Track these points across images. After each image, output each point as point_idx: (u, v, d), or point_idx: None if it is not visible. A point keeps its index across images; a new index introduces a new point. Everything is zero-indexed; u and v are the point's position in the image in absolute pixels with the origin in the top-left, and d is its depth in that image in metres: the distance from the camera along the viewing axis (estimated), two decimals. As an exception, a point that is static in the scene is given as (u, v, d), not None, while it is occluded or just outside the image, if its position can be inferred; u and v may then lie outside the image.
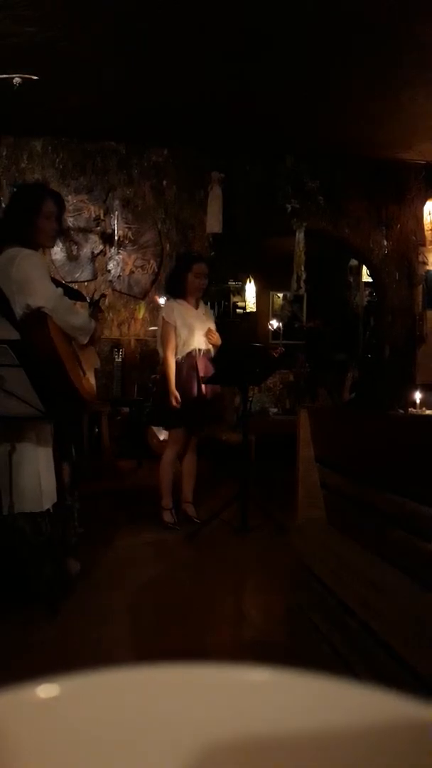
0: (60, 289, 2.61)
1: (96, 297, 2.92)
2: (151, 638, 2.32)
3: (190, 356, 3.83)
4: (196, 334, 3.85)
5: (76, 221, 5.53)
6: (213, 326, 3.95)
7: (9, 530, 2.48)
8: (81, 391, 2.53)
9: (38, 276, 2.51)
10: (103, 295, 3.33)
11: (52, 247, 3.46)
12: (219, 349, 3.96)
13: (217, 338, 3.91)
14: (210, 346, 3.91)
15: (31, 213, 2.58)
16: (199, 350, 3.85)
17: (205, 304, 4.14)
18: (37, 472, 2.51)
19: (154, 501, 3.96)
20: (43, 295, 2.46)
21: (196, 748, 0.24)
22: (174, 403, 3.73)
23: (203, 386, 3.81)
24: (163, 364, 3.87)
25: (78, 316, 2.64)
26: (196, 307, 3.93)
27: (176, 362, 3.81)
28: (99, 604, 2.64)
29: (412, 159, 5.86)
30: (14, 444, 2.47)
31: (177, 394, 3.73)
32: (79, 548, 2.86)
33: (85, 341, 2.69)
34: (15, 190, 2.98)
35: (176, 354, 3.81)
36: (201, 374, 3.82)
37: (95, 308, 2.85)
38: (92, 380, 2.79)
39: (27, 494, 2.48)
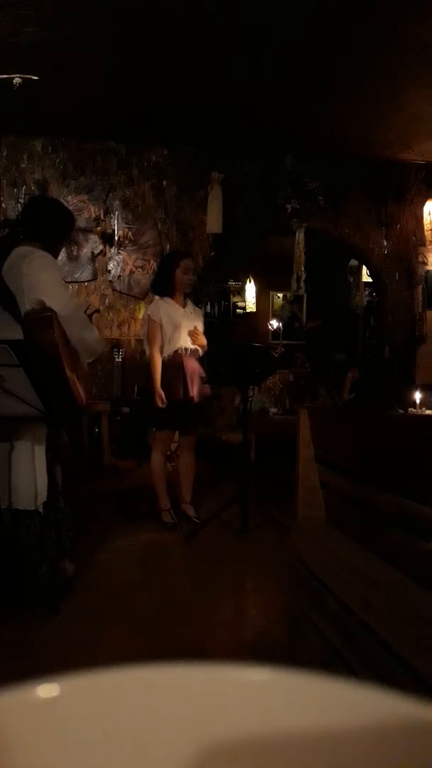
0: (76, 300, 2.60)
1: (89, 312, 2.90)
2: (151, 638, 2.32)
3: (177, 354, 3.78)
4: (183, 333, 3.79)
5: (77, 221, 5.53)
6: (200, 325, 3.89)
7: (6, 528, 2.49)
8: (77, 395, 2.52)
9: (53, 278, 2.51)
10: (97, 311, 3.31)
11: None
12: (212, 350, 3.92)
13: (202, 339, 3.84)
14: (197, 346, 3.86)
15: (70, 228, 2.75)
16: (186, 349, 3.80)
17: (196, 304, 4.12)
18: (33, 470, 2.51)
19: (154, 501, 3.96)
20: (58, 299, 2.45)
21: (196, 747, 0.24)
22: (159, 403, 3.70)
23: (191, 388, 3.76)
24: (149, 363, 3.84)
25: (92, 332, 2.64)
26: (184, 306, 3.88)
27: (162, 361, 3.76)
28: (99, 604, 2.64)
29: (412, 159, 5.87)
30: (13, 443, 2.47)
31: (162, 393, 3.69)
32: (74, 551, 2.85)
33: (89, 360, 2.69)
34: (51, 202, 3.03)
35: (162, 352, 3.78)
36: (188, 374, 3.76)
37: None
38: (87, 385, 2.78)
39: (22, 492, 2.48)
